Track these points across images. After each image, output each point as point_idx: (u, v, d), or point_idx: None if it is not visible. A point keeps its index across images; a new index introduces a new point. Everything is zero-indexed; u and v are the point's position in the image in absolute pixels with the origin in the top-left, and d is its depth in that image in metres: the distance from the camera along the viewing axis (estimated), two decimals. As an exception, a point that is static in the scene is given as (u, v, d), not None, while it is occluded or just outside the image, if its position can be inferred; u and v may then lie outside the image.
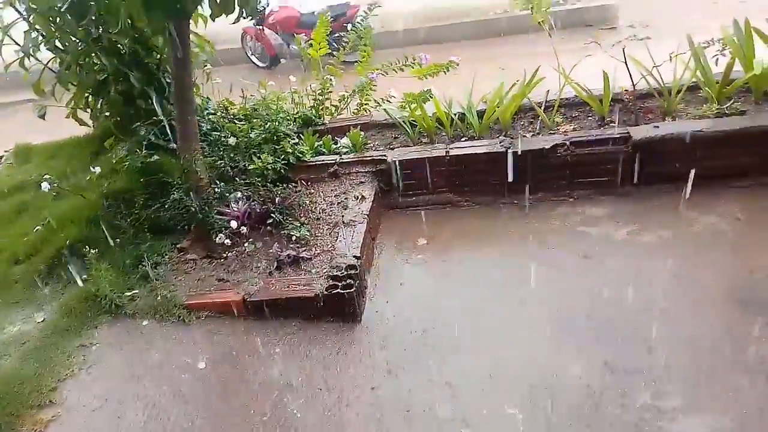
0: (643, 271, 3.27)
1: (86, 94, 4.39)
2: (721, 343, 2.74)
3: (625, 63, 4.08)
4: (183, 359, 3.11)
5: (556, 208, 3.92)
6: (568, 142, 3.88)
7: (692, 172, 3.72)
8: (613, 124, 4.07)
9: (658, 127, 3.85)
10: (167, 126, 4.30)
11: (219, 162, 4.24)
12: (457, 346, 2.98)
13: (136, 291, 3.51)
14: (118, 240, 3.86)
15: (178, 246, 3.83)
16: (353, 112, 5.15)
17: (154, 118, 4.35)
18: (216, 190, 3.95)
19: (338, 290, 3.15)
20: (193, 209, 3.84)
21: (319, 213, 3.91)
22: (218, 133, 4.53)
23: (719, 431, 2.34)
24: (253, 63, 9.96)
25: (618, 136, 3.84)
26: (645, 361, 2.71)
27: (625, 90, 4.29)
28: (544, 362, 2.80)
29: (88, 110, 4.55)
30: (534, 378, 2.73)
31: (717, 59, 4.18)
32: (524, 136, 4.17)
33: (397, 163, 4.10)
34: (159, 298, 3.38)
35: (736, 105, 3.97)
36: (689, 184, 3.73)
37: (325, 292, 3.16)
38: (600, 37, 4.31)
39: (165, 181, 3.98)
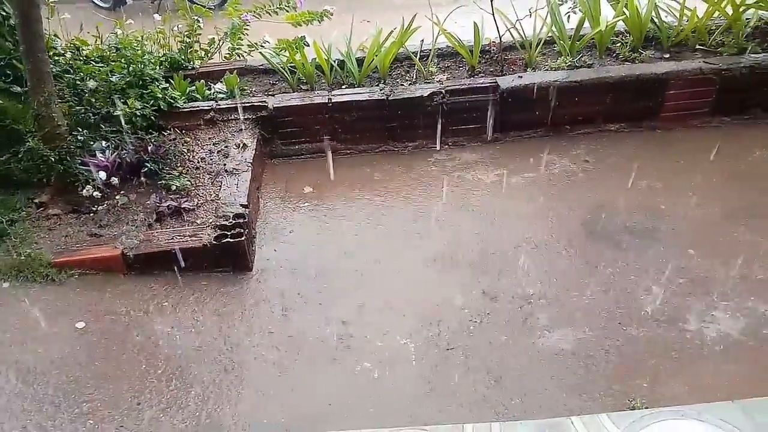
0: (511, 209, 3.61)
1: None
2: (578, 268, 3.15)
3: (493, 16, 4.33)
4: (57, 320, 2.88)
5: (434, 155, 4.14)
6: (443, 91, 4.08)
7: (549, 118, 4.14)
8: (482, 74, 4.34)
9: (521, 77, 4.18)
10: (7, 66, 3.79)
11: (77, 108, 3.84)
12: (348, 287, 3.11)
13: (-9, 252, 3.15)
14: (-41, 196, 3.40)
15: (36, 201, 3.47)
16: (225, 57, 4.90)
17: (-11, 57, 3.80)
18: (78, 138, 3.59)
19: (227, 239, 3.09)
20: (52, 160, 3.47)
21: (198, 162, 3.75)
22: (72, 76, 4.08)
23: (580, 341, 2.73)
24: (94, 2, 8.89)
25: (488, 85, 4.11)
26: (518, 288, 3.04)
27: (492, 42, 4.57)
28: (430, 295, 3.03)
29: None
30: (422, 310, 2.94)
31: (569, 16, 4.60)
32: (402, 84, 4.29)
33: (278, 110, 4.03)
34: (20, 257, 3.06)
35: (585, 58, 4.42)
36: (545, 129, 4.17)
37: (214, 242, 3.09)
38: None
39: (13, 128, 3.54)
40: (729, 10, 4.30)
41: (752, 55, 4.18)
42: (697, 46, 4.39)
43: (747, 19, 4.44)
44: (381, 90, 4.12)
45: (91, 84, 3.90)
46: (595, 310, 2.89)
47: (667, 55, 4.35)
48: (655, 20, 4.45)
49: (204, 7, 4.86)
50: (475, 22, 4.32)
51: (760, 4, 4.33)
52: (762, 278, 2.99)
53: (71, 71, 4.09)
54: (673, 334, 2.74)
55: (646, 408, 2.37)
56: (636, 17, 4.33)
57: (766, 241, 3.21)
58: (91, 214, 3.40)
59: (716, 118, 4.24)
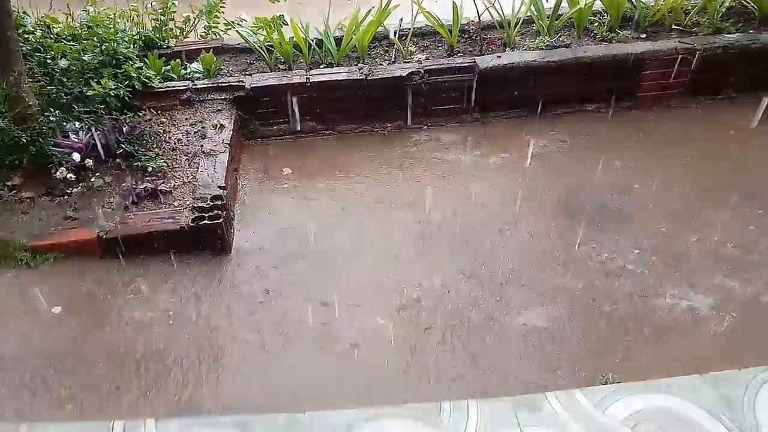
0: (490, 189, 3.63)
1: None
2: (554, 246, 3.20)
3: (472, -6, 4.30)
4: (33, 305, 2.85)
5: (413, 135, 4.14)
6: (422, 71, 4.06)
7: (528, 98, 4.15)
8: (461, 54, 4.33)
9: (500, 56, 4.17)
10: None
11: (49, 87, 3.75)
12: (327, 268, 3.12)
13: (-38, 236, 3.09)
14: (-73, 180, 3.32)
15: (8, 183, 3.41)
16: (201, 36, 4.82)
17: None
18: (50, 119, 3.51)
19: (205, 221, 3.07)
20: (24, 141, 3.40)
21: (175, 143, 3.70)
22: (42, 55, 3.98)
23: (554, 318, 2.79)
24: None
25: (467, 64, 4.10)
26: (494, 267, 3.08)
27: (471, 21, 4.55)
28: (409, 275, 3.06)
29: None
30: (400, 290, 2.97)
31: (547, -5, 4.59)
32: (380, 64, 4.26)
33: (256, 89, 3.98)
34: (-6, 241, 3.02)
35: (563, 38, 4.42)
36: (524, 109, 4.19)
37: (192, 224, 3.06)
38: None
39: (-19, 109, 3.45)
40: (705, -10, 4.33)
41: (727, 35, 4.23)
42: (673, 26, 4.42)
43: (722, -1, 4.49)
44: (360, 69, 4.09)
45: (63, 63, 3.81)
46: (570, 288, 2.94)
47: (644, 35, 4.37)
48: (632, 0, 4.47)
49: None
50: (453, 1, 4.29)
51: (735, -16, 4.37)
52: (732, 255, 3.07)
53: (42, 50, 3.99)
54: (645, 310, 2.81)
55: (618, 383, 2.44)
56: (613, -4, 4.34)
57: (737, 219, 3.28)
58: (66, 197, 3.35)
59: (691, 98, 4.29)
